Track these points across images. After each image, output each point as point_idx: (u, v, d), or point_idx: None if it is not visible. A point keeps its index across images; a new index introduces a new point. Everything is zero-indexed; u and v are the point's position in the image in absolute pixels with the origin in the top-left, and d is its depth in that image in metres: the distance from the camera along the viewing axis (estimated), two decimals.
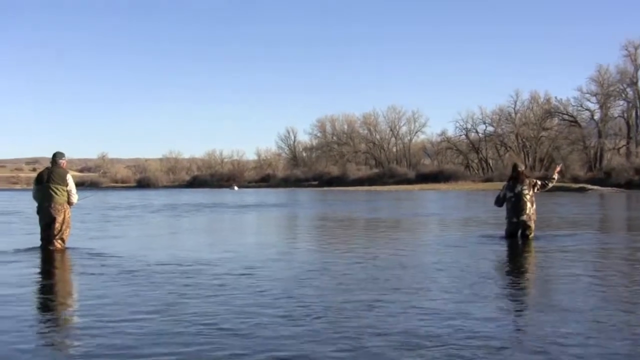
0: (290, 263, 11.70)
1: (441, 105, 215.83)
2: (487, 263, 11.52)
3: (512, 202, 15.29)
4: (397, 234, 18.44)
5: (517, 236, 15.25)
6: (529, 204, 15.15)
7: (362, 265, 11.27)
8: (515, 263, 12.32)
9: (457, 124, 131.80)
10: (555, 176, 16.62)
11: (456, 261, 11.56)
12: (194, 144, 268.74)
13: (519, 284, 9.69)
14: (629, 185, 71.81)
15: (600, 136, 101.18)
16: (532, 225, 15.24)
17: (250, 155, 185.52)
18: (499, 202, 15.80)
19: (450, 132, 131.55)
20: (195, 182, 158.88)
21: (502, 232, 15.77)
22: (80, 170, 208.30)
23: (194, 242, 16.65)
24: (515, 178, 15.45)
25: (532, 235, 15.18)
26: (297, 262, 11.88)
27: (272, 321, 7.01)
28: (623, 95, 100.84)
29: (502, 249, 13.93)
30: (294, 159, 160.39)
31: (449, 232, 18.24)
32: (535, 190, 15.44)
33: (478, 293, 8.51)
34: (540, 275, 10.52)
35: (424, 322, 6.88)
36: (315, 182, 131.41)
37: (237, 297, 8.42)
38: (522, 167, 16.00)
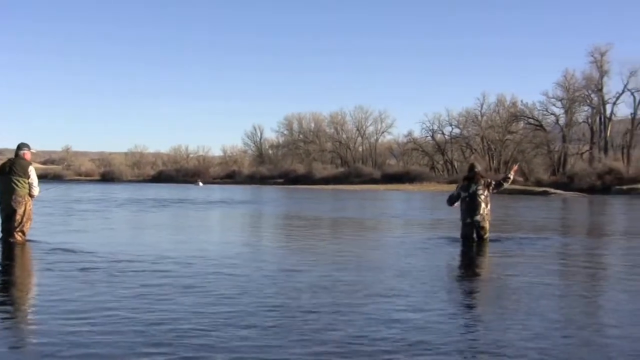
0: (255, 263, 11.71)
1: (408, 106, 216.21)
2: (442, 265, 11.61)
3: (466, 202, 15.18)
4: (360, 235, 18.49)
5: (472, 238, 15.11)
6: (483, 204, 15.00)
7: (323, 266, 11.29)
8: (468, 266, 12.39)
9: (424, 125, 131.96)
10: (511, 176, 16.14)
11: (414, 264, 11.58)
12: (159, 139, 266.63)
13: (471, 287, 9.78)
14: (591, 190, 72.36)
15: (564, 141, 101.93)
16: (487, 225, 15.13)
17: (216, 151, 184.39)
18: (451, 200, 15.70)
19: (417, 133, 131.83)
20: (161, 177, 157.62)
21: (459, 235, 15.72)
22: (44, 163, 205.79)
23: (158, 238, 16.62)
24: (471, 178, 15.32)
25: (487, 235, 15.10)
26: (261, 261, 11.91)
27: (231, 322, 7.01)
28: (588, 101, 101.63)
29: (458, 251, 14.00)
30: (260, 156, 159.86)
31: (410, 234, 18.29)
32: (491, 190, 15.27)
33: (431, 295, 8.55)
34: (493, 278, 10.62)
35: (373, 326, 6.91)
36: (281, 180, 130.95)
37: (198, 295, 8.40)
38: (478, 168, 15.84)
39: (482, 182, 15.22)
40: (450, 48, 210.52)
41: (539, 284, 9.51)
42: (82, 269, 10.41)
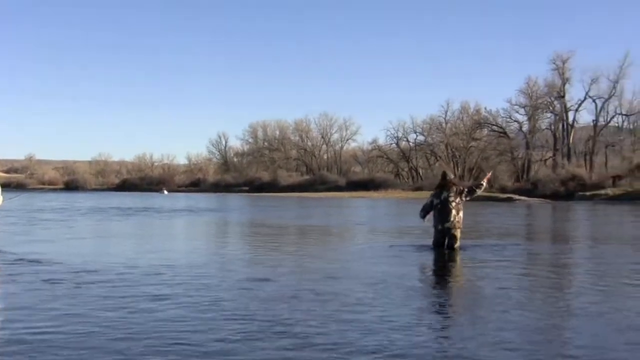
0: (223, 272, 11.58)
1: (373, 114, 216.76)
2: (413, 274, 11.55)
3: (438, 209, 15.14)
4: (327, 243, 18.42)
5: (444, 246, 15.09)
6: (454, 211, 14.98)
7: (292, 275, 11.19)
8: (439, 274, 12.37)
9: (388, 133, 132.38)
10: (484, 183, 16.21)
11: (384, 272, 11.50)
12: (124, 147, 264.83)
13: (443, 296, 9.74)
14: (554, 196, 72.93)
15: (527, 147, 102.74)
16: (457, 234, 15.09)
17: (181, 160, 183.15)
18: (424, 210, 15.54)
19: (382, 140, 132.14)
20: (125, 186, 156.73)
21: (430, 242, 15.68)
22: (7, 172, 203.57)
23: (124, 247, 16.41)
24: (443, 186, 15.30)
25: (457, 244, 15.04)
26: (229, 270, 11.79)
27: (200, 333, 6.91)
28: (550, 108, 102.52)
29: (428, 259, 13.94)
30: (225, 164, 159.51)
31: (377, 241, 18.12)
32: (463, 198, 15.26)
33: (402, 304, 8.50)
34: (465, 286, 10.61)
35: (345, 334, 6.84)
36: (246, 188, 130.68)
37: (166, 306, 8.28)
38: (451, 176, 15.86)
39: (454, 189, 15.21)
40: (414, 55, 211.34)
41: (510, 292, 9.49)
42: (47, 280, 10.23)
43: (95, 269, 11.52)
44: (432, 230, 15.50)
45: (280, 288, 9.65)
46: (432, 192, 15.90)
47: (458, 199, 15.15)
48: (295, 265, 12.55)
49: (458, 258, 14.03)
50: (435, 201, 15.25)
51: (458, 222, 15.08)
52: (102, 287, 9.64)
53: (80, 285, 9.87)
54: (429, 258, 14.02)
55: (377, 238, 19.63)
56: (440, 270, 12.90)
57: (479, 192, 15.89)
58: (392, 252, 14.82)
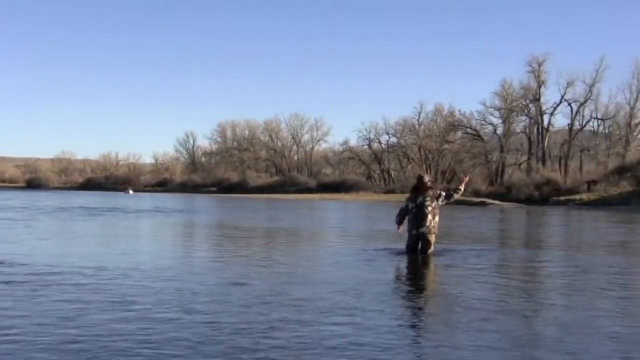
0: (190, 275, 11.43)
1: (345, 114, 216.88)
2: (385, 279, 11.48)
3: (413, 214, 15.01)
4: (296, 246, 18.33)
5: (417, 250, 14.96)
6: (429, 216, 14.83)
7: (262, 279, 11.10)
8: (412, 279, 12.32)
9: (360, 134, 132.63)
10: (462, 187, 16.03)
11: (358, 277, 11.45)
12: (88, 145, 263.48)
13: (417, 302, 9.68)
14: (528, 200, 73.36)
15: (502, 151, 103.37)
16: (432, 239, 14.95)
17: (147, 159, 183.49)
18: (400, 215, 15.44)
19: (353, 141, 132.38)
20: (89, 185, 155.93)
21: (403, 246, 15.60)
22: None
23: (88, 249, 16.20)
24: (419, 189, 15.18)
25: (430, 250, 14.88)
26: (195, 274, 11.67)
27: (168, 339, 6.83)
28: (525, 111, 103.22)
29: (401, 264, 13.85)
30: (193, 163, 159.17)
31: (349, 245, 18.03)
32: (440, 202, 15.14)
33: (374, 310, 8.45)
34: (438, 291, 10.60)
35: (319, 341, 6.79)
36: (214, 188, 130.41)
37: (129, 311, 8.18)
38: (427, 178, 15.60)
39: (431, 193, 15.09)
40: (388, 55, 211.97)
41: (484, 298, 9.48)
42: (7, 282, 10.09)
43: (59, 272, 11.35)
44: (406, 234, 15.40)
45: (250, 294, 9.54)
46: (407, 195, 15.80)
47: (434, 203, 15.01)
48: (265, 270, 12.44)
49: (431, 263, 13.97)
50: (411, 205, 15.13)
51: (434, 227, 14.97)
52: (65, 291, 9.50)
53: (42, 287, 9.73)
54: (402, 263, 13.92)
55: (348, 242, 19.55)
56: (413, 275, 12.85)
57: (457, 196, 15.73)
58: (365, 257, 14.63)
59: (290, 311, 8.29)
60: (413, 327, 7.83)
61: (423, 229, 14.88)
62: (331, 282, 10.75)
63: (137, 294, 9.32)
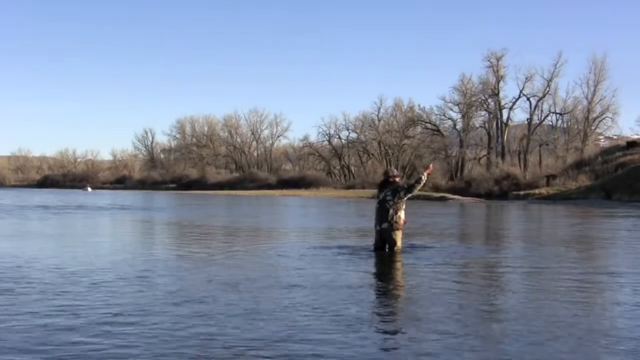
0: (148, 279, 11.25)
1: (304, 110, 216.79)
2: (351, 279, 11.32)
3: (376, 210, 14.96)
4: (258, 245, 18.10)
5: (382, 247, 14.84)
6: (391, 211, 14.64)
7: (220, 284, 10.96)
8: (379, 278, 12.20)
9: (320, 130, 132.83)
10: (423, 177, 15.19)
11: (319, 276, 11.35)
12: (45, 142, 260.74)
13: (382, 300, 9.63)
14: (488, 195, 73.79)
15: (461, 146, 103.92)
16: (396, 235, 14.76)
17: (105, 156, 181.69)
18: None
19: (313, 137, 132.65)
20: (46, 182, 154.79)
21: (368, 243, 15.46)
22: None
23: (42, 249, 15.94)
24: (382, 184, 15.11)
25: (397, 247, 14.72)
26: (155, 276, 11.51)
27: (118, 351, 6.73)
28: (485, 106, 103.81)
29: (367, 262, 13.65)
30: (152, 160, 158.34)
31: (310, 243, 17.84)
32: (402, 196, 14.81)
33: (339, 311, 8.40)
34: (405, 290, 10.55)
35: (284, 345, 6.73)
36: (174, 185, 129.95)
37: (77, 316, 8.07)
38: (392, 173, 15.35)
39: (393, 187, 14.88)
40: (347, 49, 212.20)
41: (449, 295, 9.51)
42: None
43: (10, 276, 11.12)
44: (370, 232, 15.31)
45: (210, 297, 9.42)
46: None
47: (396, 198, 14.75)
48: (226, 272, 12.20)
49: (399, 261, 13.86)
50: (376, 202, 15.09)
51: (396, 222, 14.74)
52: (12, 295, 9.33)
53: None
54: (368, 261, 13.72)
55: (311, 239, 19.29)
56: (380, 274, 12.72)
57: (418, 187, 15.12)
58: (329, 256, 14.45)
59: (239, 314, 8.22)
60: (377, 327, 7.76)
61: (384, 225, 14.75)
62: (295, 283, 10.64)
63: (90, 299, 9.20)
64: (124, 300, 8.79)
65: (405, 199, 15.00)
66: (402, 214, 14.87)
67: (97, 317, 7.77)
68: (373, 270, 13.01)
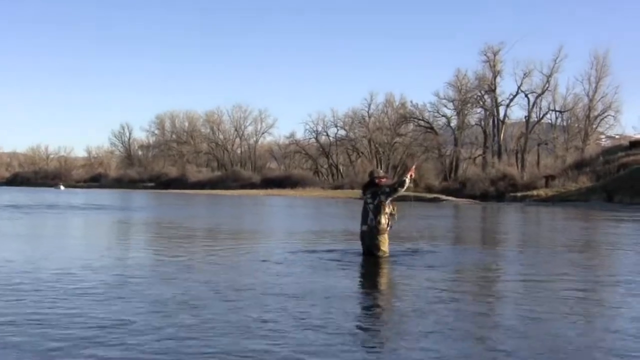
0: (127, 285, 11.10)
1: (291, 105, 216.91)
2: (338, 286, 11.18)
3: (361, 212, 14.95)
4: (242, 249, 17.93)
5: (370, 253, 14.64)
6: (371, 214, 14.55)
7: (196, 287, 10.85)
8: (366, 286, 12.04)
9: (307, 126, 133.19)
10: (407, 179, 14.77)
11: (302, 284, 11.24)
12: (16, 137, 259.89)
13: (367, 312, 9.50)
14: (484, 196, 73.93)
15: (456, 144, 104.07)
16: (377, 240, 14.55)
17: (79, 152, 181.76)
18: None
19: (300, 134, 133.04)
20: (16, 180, 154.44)
21: (357, 247, 15.33)
22: None
23: (10, 251, 15.79)
24: (366, 185, 15.07)
25: (381, 252, 14.52)
26: (133, 284, 11.37)
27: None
28: (480, 103, 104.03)
29: (353, 268, 13.53)
30: (129, 157, 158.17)
31: (296, 246, 17.72)
32: (382, 200, 14.57)
33: (322, 324, 8.32)
34: (392, 299, 10.45)
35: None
36: (152, 184, 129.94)
37: (47, 325, 7.95)
38: (378, 174, 15.20)
39: (374, 189, 14.73)
40: (336, 43, 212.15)
41: (440, 303, 9.41)
42: None
43: None
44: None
45: (192, 307, 9.31)
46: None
47: (377, 200, 14.59)
48: (208, 279, 12.01)
49: (388, 268, 13.74)
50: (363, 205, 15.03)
51: (377, 225, 14.54)
52: None
53: None
54: (355, 268, 13.59)
55: (296, 243, 19.18)
56: (367, 282, 12.59)
57: (401, 190, 14.76)
58: (315, 261, 14.25)
59: (235, 326, 8.15)
60: (364, 337, 7.69)
61: (364, 227, 14.70)
62: (277, 291, 10.55)
63: (61, 307, 9.09)
64: (102, 310, 8.67)
65: (388, 202, 14.73)
66: (383, 217, 14.60)
67: (77, 330, 7.66)
68: (360, 278, 12.86)
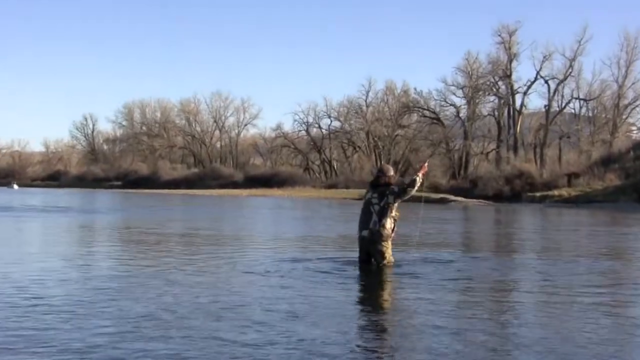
0: (90, 302, 11.05)
1: (277, 94, 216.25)
2: (329, 302, 11.09)
3: (360, 214, 14.77)
4: (223, 258, 17.82)
5: (366, 259, 14.62)
6: (374, 217, 14.36)
7: (169, 303, 10.81)
8: (363, 302, 11.89)
9: (297, 117, 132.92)
10: (418, 179, 14.61)
11: (289, 298, 11.21)
12: None
13: (363, 334, 9.46)
14: (498, 197, 73.79)
15: (466, 138, 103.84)
16: (380, 247, 14.43)
17: (35, 147, 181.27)
18: None
19: (288, 126, 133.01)
20: None
21: (353, 256, 15.23)
22: None
23: None
24: (373, 184, 14.85)
25: (384, 261, 14.42)
26: (99, 300, 11.35)
27: None
28: (494, 90, 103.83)
29: (349, 280, 13.48)
30: (92, 152, 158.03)
31: (283, 255, 17.63)
32: (390, 201, 14.41)
33: (311, 350, 8.29)
34: (392, 318, 10.43)
35: None
36: (119, 183, 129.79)
37: None
38: (388, 172, 14.95)
39: (382, 189, 14.53)
40: (329, 22, 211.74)
41: (447, 320, 9.42)
42: None
43: None
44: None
45: (165, 325, 9.27)
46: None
47: (384, 201, 14.40)
48: (183, 293, 11.92)
49: (388, 281, 13.64)
50: (363, 204, 14.85)
51: (380, 230, 14.39)
52: None
53: None
54: (351, 280, 13.50)
55: (284, 250, 19.10)
56: (364, 297, 12.43)
57: (412, 192, 14.61)
58: (305, 272, 14.17)
59: (196, 341, 8.11)
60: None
61: (365, 232, 14.51)
62: (260, 310, 10.53)
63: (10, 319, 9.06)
64: (63, 331, 8.63)
65: (396, 204, 14.62)
66: (388, 221, 14.48)
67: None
68: (357, 292, 12.70)
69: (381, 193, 14.53)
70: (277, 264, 15.46)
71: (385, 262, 14.46)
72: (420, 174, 14.88)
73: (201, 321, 9.17)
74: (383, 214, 14.44)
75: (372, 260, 14.63)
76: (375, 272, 14.22)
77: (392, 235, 14.70)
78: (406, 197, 14.66)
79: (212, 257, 17.44)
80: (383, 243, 14.48)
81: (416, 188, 14.58)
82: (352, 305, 10.98)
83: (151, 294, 11.30)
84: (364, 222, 14.57)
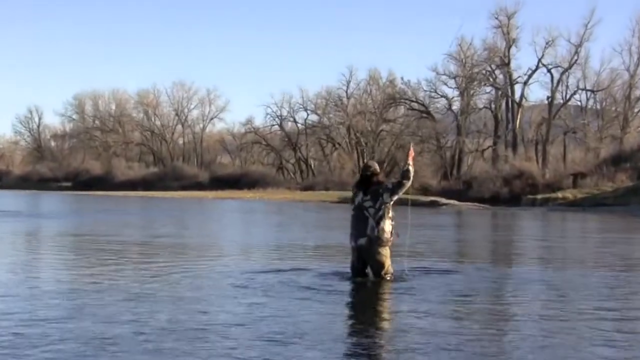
0: (36, 323, 11.00)
1: (247, 84, 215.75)
2: (312, 325, 10.96)
3: (352, 219, 14.48)
4: (181, 269, 17.73)
5: (360, 271, 14.42)
6: (371, 221, 14.06)
7: (125, 324, 10.72)
8: (355, 324, 11.86)
9: (269, 110, 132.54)
10: (410, 167, 14.35)
11: (264, 319, 11.10)
12: None
13: (357, 352, 9.45)
14: (494, 200, 74.02)
15: (459, 133, 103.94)
16: (380, 256, 14.15)
17: None
18: None
19: (259, 120, 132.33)
20: None
21: (342, 268, 15.21)
22: None
23: None
24: (360, 183, 14.59)
25: (384, 272, 14.20)
26: (31, 317, 11.26)
27: None
28: (491, 80, 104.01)
29: (337, 299, 13.17)
30: (38, 149, 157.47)
31: (255, 267, 17.45)
32: (386, 199, 14.14)
33: None
34: (390, 340, 10.40)
35: None
36: (68, 184, 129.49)
37: None
38: (374, 168, 14.66)
39: (374, 189, 14.25)
40: (305, 3, 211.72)
41: (446, 337, 9.41)
42: None
43: None
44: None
45: (135, 344, 9.21)
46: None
47: (378, 203, 14.13)
48: (143, 312, 11.81)
49: (378, 291, 13.61)
50: (351, 207, 14.60)
51: (379, 236, 14.13)
52: None
53: None
54: (339, 298, 13.31)
55: (256, 262, 18.98)
56: (354, 312, 12.38)
57: (408, 184, 14.27)
58: (283, 288, 13.95)
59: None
60: None
61: (362, 241, 14.19)
62: (231, 337, 10.46)
63: None
64: (11, 357, 8.58)
65: (392, 202, 14.38)
66: (387, 224, 14.22)
67: None
68: (345, 309, 12.57)
69: (374, 193, 14.22)
70: (247, 278, 15.16)
71: (384, 272, 14.24)
72: (410, 161, 14.60)
73: (171, 344, 9.10)
74: (380, 216, 14.18)
75: (367, 271, 14.45)
76: (365, 286, 14.14)
77: (392, 239, 14.41)
78: (403, 191, 14.36)
79: (175, 268, 17.37)
80: (381, 250, 14.22)
81: (411, 178, 14.33)
82: (341, 325, 10.92)
83: (109, 311, 11.23)
84: (359, 229, 14.27)
